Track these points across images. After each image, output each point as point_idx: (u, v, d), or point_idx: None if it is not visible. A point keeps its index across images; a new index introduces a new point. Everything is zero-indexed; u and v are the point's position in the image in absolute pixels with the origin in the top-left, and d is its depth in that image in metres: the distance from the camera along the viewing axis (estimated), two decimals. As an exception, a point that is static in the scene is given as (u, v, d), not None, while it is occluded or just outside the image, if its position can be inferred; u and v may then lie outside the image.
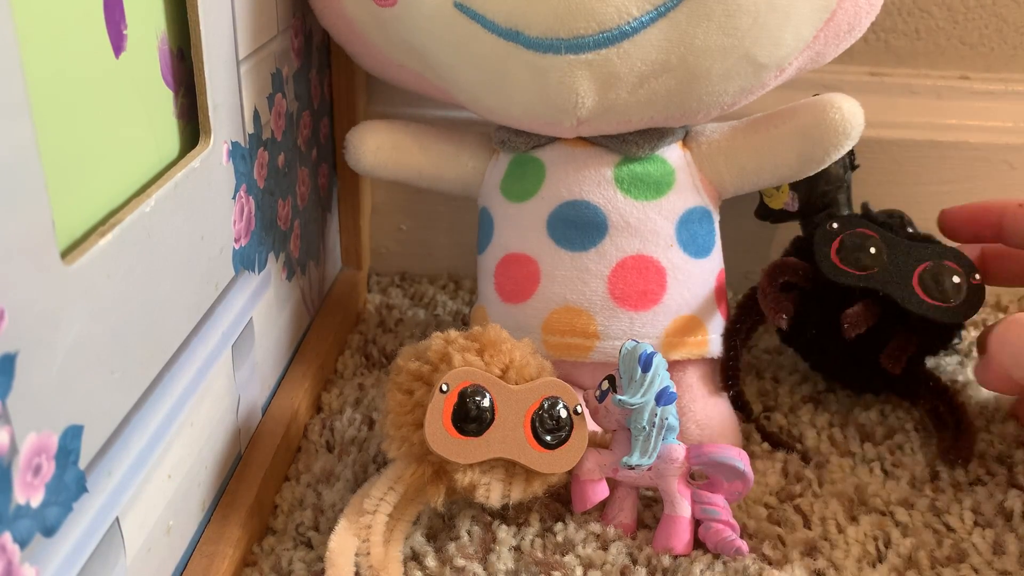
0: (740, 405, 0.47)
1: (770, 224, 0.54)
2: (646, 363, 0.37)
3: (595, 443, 0.40)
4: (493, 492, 0.37)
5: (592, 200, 0.44)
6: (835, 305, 0.44)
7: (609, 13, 0.37)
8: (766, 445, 0.46)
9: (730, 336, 0.47)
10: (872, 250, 0.45)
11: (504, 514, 0.40)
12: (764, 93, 0.44)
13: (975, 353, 0.53)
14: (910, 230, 0.53)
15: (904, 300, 0.43)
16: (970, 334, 0.54)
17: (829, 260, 0.45)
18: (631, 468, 0.38)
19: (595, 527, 0.39)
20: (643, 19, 0.38)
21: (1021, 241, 0.45)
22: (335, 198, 0.57)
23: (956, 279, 0.44)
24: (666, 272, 0.44)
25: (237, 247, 0.38)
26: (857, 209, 0.53)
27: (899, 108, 0.58)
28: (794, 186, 0.51)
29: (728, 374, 0.47)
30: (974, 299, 0.44)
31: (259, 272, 0.42)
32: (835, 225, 0.46)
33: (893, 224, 0.47)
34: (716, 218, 0.46)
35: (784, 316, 0.44)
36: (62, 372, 0.25)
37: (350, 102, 0.54)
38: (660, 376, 0.37)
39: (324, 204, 0.54)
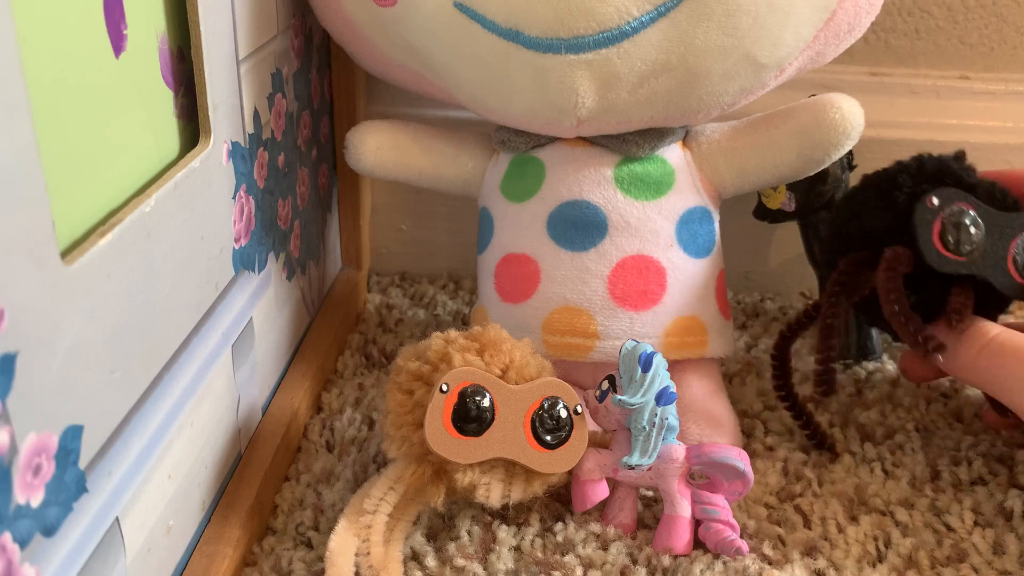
0: (809, 425, 0.46)
1: (768, 224, 0.54)
2: (646, 363, 0.37)
3: (595, 443, 0.40)
4: (493, 492, 0.37)
5: (592, 200, 0.44)
6: (927, 281, 0.42)
7: (609, 13, 0.37)
8: (768, 440, 0.46)
9: (782, 347, 0.46)
10: (972, 230, 0.41)
11: (504, 514, 0.40)
12: (764, 93, 0.44)
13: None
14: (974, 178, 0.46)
15: (1002, 285, 0.41)
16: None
17: (933, 248, 0.41)
18: (631, 468, 0.38)
19: (595, 527, 0.39)
20: (643, 19, 0.38)
21: None
22: (335, 198, 0.57)
23: None
24: (666, 272, 0.44)
25: (237, 247, 0.38)
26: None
27: (899, 108, 0.58)
28: (791, 186, 0.51)
29: (782, 385, 0.46)
30: None
31: (259, 272, 0.42)
32: (935, 201, 0.41)
33: (977, 182, 0.43)
34: (716, 218, 0.46)
35: (940, 351, 0.41)
36: (62, 372, 0.25)
37: (350, 102, 0.54)
38: (660, 376, 0.37)
39: (324, 204, 0.54)
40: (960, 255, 0.41)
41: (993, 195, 0.43)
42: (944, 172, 0.43)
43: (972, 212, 0.41)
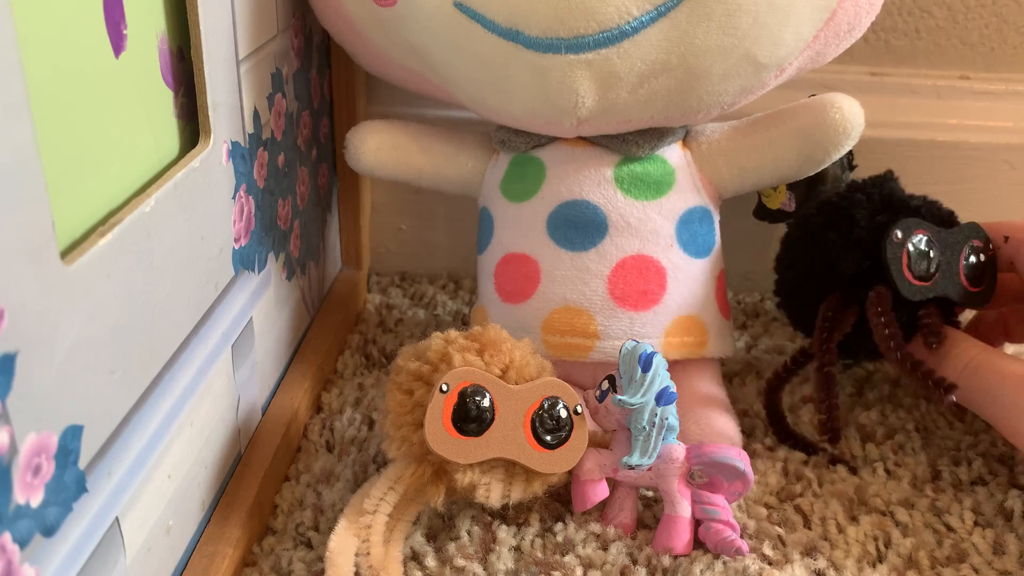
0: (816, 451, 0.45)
1: (768, 224, 0.54)
2: (646, 363, 0.37)
3: (595, 443, 0.40)
4: (493, 492, 0.37)
5: (592, 200, 0.44)
6: (896, 307, 0.43)
7: (609, 13, 0.37)
8: (768, 440, 0.46)
9: (771, 398, 0.46)
10: (932, 254, 0.43)
11: (504, 514, 0.40)
12: (764, 93, 0.44)
13: None
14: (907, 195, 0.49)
15: (960, 298, 0.43)
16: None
17: (906, 281, 0.42)
18: (631, 468, 0.38)
19: (595, 527, 0.39)
20: (643, 19, 0.38)
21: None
22: (335, 198, 0.57)
23: (983, 257, 0.44)
24: (666, 272, 0.44)
25: (237, 247, 0.38)
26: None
27: (899, 108, 0.58)
28: (791, 186, 0.51)
29: (828, 417, 0.44)
30: (994, 272, 0.44)
31: (259, 272, 0.42)
32: (899, 235, 0.43)
33: (919, 203, 0.45)
34: (716, 218, 0.46)
35: (953, 391, 0.41)
36: (62, 372, 0.25)
37: (350, 102, 0.54)
38: (660, 376, 0.37)
39: (324, 204, 0.54)
40: (926, 280, 0.42)
41: (933, 212, 0.45)
42: (892, 198, 0.44)
43: (928, 237, 0.43)
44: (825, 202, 0.46)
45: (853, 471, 0.44)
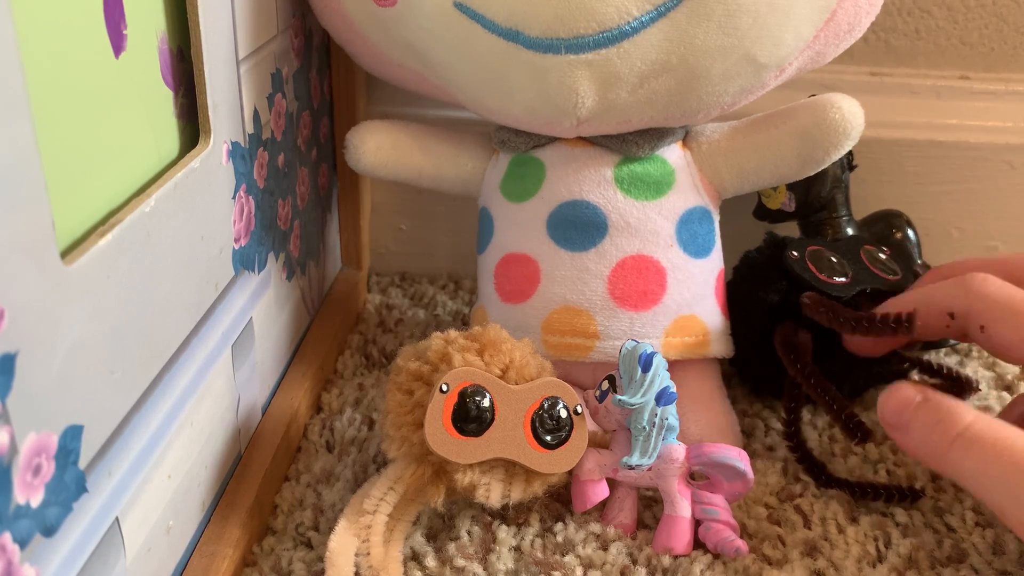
0: (804, 457, 0.44)
1: (769, 224, 0.54)
2: (646, 363, 0.37)
3: (595, 443, 0.40)
4: (493, 492, 0.37)
5: (592, 200, 0.44)
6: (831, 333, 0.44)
7: (609, 13, 0.37)
8: (768, 440, 0.46)
9: (790, 390, 0.45)
10: (833, 258, 0.46)
11: (504, 514, 0.40)
12: (764, 93, 0.44)
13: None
14: (909, 232, 0.53)
15: (888, 288, 0.45)
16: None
17: (825, 282, 0.44)
18: (631, 468, 0.38)
19: (595, 527, 0.39)
20: (643, 19, 0.38)
21: None
22: (335, 198, 0.57)
23: (885, 253, 0.48)
24: (666, 272, 0.44)
25: (237, 247, 0.38)
26: (855, 212, 0.53)
27: (899, 108, 0.58)
28: (791, 186, 0.51)
29: (844, 416, 0.42)
30: (907, 258, 0.51)
31: (259, 272, 0.42)
32: (794, 252, 0.46)
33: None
34: (716, 218, 0.46)
35: (868, 439, 0.41)
36: (62, 372, 0.25)
37: (350, 102, 0.54)
38: (660, 376, 0.37)
39: (324, 204, 0.54)
40: (845, 278, 0.45)
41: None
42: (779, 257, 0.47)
43: (822, 248, 0.47)
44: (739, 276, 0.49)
45: (915, 495, 0.42)
